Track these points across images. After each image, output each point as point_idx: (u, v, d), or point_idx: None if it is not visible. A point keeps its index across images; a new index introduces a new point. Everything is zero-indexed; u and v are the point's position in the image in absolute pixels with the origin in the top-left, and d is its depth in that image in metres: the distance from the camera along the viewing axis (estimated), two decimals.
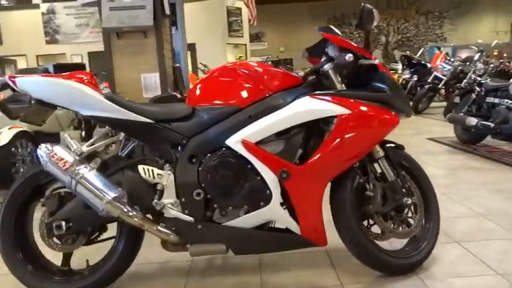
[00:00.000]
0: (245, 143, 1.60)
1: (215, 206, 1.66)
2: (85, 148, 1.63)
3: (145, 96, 4.91)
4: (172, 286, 1.82)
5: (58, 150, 1.57)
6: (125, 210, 1.55)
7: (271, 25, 19.49)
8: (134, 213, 1.57)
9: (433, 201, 1.89)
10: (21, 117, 1.77)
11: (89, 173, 1.54)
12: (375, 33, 18.30)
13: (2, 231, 1.66)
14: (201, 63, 9.43)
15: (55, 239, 1.65)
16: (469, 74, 5.82)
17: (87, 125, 6.10)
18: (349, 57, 1.62)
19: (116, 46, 4.76)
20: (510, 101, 3.74)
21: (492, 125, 3.79)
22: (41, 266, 1.74)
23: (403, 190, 1.76)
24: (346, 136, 1.60)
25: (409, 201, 1.77)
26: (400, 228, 1.79)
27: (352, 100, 1.62)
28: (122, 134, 1.70)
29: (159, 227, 1.62)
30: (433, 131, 5.55)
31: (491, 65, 5.68)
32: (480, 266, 1.82)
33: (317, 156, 1.61)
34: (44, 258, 1.78)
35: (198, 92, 1.76)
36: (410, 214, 1.81)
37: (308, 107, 1.61)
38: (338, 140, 1.60)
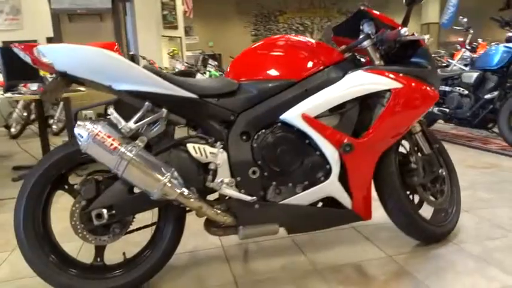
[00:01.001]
0: (306, 117, 1.55)
1: (272, 183, 1.58)
2: (133, 125, 1.44)
3: None
4: (219, 272, 1.70)
5: (103, 127, 1.38)
6: (184, 192, 1.41)
7: (200, 19, 19.20)
8: (192, 195, 1.44)
9: (454, 171, 2.01)
10: (40, 94, 1.53)
11: (140, 153, 1.38)
12: (300, 30, 18.94)
13: (26, 225, 1.43)
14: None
15: (92, 231, 1.46)
16: None
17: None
18: (404, 31, 1.64)
19: (67, 30, 4.36)
20: (462, 89, 4.14)
21: (447, 110, 4.17)
22: (72, 264, 1.53)
23: (438, 162, 1.85)
24: (399, 110, 1.63)
25: (444, 173, 1.87)
26: (437, 199, 1.88)
27: (401, 74, 1.66)
28: (165, 111, 1.54)
29: (215, 209, 1.51)
30: None
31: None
32: (500, 229, 1.99)
33: (374, 129, 1.61)
34: (68, 255, 1.56)
35: (242, 65, 1.67)
36: (442, 185, 1.91)
37: (364, 81, 1.61)
38: (392, 113, 1.62)
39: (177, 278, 1.66)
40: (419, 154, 1.85)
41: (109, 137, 1.36)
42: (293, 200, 1.60)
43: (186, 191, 1.41)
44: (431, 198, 1.85)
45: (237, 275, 1.67)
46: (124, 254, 1.59)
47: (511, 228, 2.01)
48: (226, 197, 1.54)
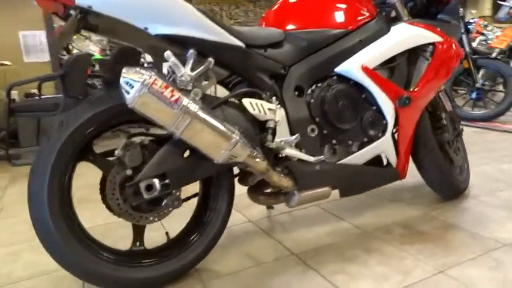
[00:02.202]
0: (366, 69, 1.45)
1: (330, 142, 1.46)
2: (193, 73, 1.18)
3: (28, 60, 3.94)
4: (267, 246, 1.53)
5: (159, 75, 1.09)
6: (253, 152, 1.21)
7: None
8: (259, 155, 1.25)
9: (460, 129, 2.10)
10: (57, 38, 1.19)
11: (203, 107, 1.14)
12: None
13: (52, 206, 1.10)
14: None
15: (136, 207, 1.19)
16: None
17: None
18: None
19: None
20: None
21: None
22: (107, 251, 1.23)
23: (458, 119, 1.91)
24: (442, 63, 1.62)
25: (463, 130, 1.93)
26: (457, 155, 1.93)
27: (438, 29, 1.65)
28: (212, 61, 1.29)
29: (279, 173, 1.34)
30: None
31: None
32: (502, 183, 2.14)
33: (423, 83, 1.58)
34: (98, 241, 1.25)
35: (287, 14, 1.50)
36: (458, 141, 1.98)
37: (412, 34, 1.56)
38: (437, 67, 1.61)
39: (225, 257, 1.45)
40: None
41: (167, 87, 1.09)
42: (351, 160, 1.50)
43: (254, 152, 1.22)
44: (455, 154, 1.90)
45: (290, 246, 1.52)
46: (167, 234, 1.33)
47: (508, 179, 2.18)
48: (285, 159, 1.38)
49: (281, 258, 1.43)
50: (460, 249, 1.44)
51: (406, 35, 1.55)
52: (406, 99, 1.52)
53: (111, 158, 1.21)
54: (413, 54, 1.62)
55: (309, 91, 1.44)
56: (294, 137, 1.34)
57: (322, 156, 1.39)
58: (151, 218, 1.21)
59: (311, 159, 1.38)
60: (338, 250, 1.48)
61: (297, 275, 1.32)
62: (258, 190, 1.46)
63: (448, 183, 1.81)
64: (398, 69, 1.57)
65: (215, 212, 1.33)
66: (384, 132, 1.53)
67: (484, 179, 2.21)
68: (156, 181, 1.15)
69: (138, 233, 1.27)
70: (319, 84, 1.44)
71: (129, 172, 1.17)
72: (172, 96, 1.09)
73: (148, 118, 1.10)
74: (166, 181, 1.17)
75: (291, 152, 1.34)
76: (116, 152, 1.18)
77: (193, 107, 1.10)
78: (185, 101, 1.10)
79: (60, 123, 1.13)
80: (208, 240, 1.31)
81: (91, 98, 1.24)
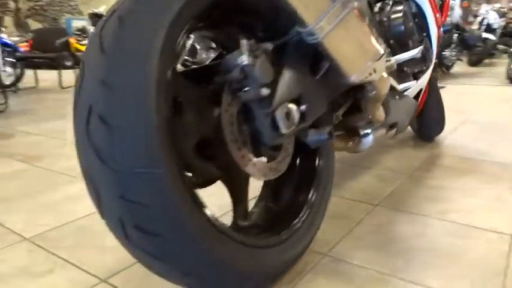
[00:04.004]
0: None
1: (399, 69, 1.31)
2: None
3: None
4: None
5: None
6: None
7: None
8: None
9: None
10: None
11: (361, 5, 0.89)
12: None
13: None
14: None
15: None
16: None
17: None
18: None
19: None
20: None
21: None
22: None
23: None
24: None
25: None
26: None
27: None
28: None
29: None
30: None
31: None
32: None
33: (445, 15, 1.48)
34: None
35: None
36: None
37: None
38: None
39: None
40: None
41: None
42: (410, 92, 1.36)
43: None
44: None
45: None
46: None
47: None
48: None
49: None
50: None
51: None
52: (448, 25, 1.40)
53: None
54: None
55: (376, 8, 1.28)
56: (417, 50, 1.18)
57: (408, 84, 1.24)
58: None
59: (398, 87, 1.22)
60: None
61: None
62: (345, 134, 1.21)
63: (442, 118, 1.74)
64: None
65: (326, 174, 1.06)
66: (430, 64, 1.39)
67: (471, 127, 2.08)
68: (294, 107, 0.81)
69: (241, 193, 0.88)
70: (385, 1, 1.29)
71: (265, 91, 0.75)
72: None
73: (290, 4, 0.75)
74: (302, 108, 0.84)
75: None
76: (239, 60, 0.73)
77: (353, 1, 0.84)
78: None
79: None
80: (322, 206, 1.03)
81: None
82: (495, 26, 6.22)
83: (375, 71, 0.93)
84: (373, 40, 0.89)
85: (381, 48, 0.91)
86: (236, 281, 0.73)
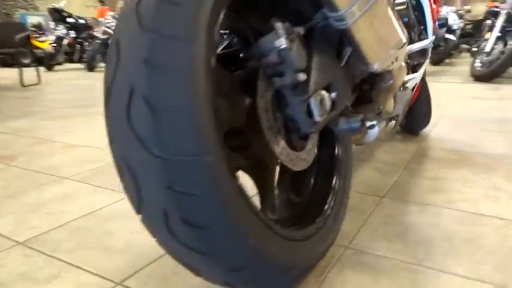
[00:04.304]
0: None
1: None
2: None
3: None
4: None
5: None
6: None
7: None
8: None
9: None
10: None
11: None
12: None
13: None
14: None
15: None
16: None
17: None
18: None
19: None
20: None
21: None
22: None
23: None
24: None
25: None
26: None
27: None
28: None
29: None
30: None
31: None
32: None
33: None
34: None
35: None
36: None
37: None
38: None
39: None
40: None
41: None
42: (410, 84, 1.35)
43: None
44: None
45: None
46: None
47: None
48: None
49: None
50: None
51: None
52: (442, 19, 1.42)
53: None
54: None
55: None
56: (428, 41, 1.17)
57: (410, 76, 1.23)
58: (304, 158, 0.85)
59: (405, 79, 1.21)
60: None
61: None
62: None
63: (430, 112, 1.80)
64: None
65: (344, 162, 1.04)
66: (428, 55, 1.40)
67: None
68: (326, 94, 0.79)
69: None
70: None
71: (302, 77, 0.71)
72: None
73: None
74: (333, 95, 0.81)
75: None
76: (277, 43, 0.68)
77: None
78: None
79: None
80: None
81: None
82: (455, 27, 6.51)
83: (396, 60, 0.92)
84: (398, 27, 0.88)
85: (404, 36, 0.90)
86: (278, 275, 0.69)
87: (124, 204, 1.25)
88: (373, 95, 1.05)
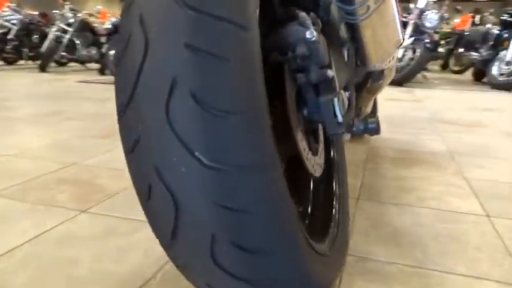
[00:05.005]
0: None
1: None
2: None
3: None
4: None
5: None
6: None
7: None
8: None
9: None
10: None
11: None
12: None
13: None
14: None
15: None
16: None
17: None
18: None
19: None
20: None
21: None
22: None
23: None
24: None
25: None
26: None
27: None
28: None
29: None
30: None
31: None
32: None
33: None
34: None
35: None
36: None
37: None
38: None
39: None
40: None
41: None
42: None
43: None
44: None
45: None
46: None
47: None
48: None
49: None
50: None
51: None
52: None
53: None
54: None
55: None
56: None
57: None
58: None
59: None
60: None
61: None
62: None
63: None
64: None
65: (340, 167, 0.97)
66: None
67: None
68: (345, 94, 0.73)
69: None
70: None
71: (330, 73, 0.65)
72: None
73: None
74: (347, 95, 0.76)
75: None
76: (308, 34, 0.60)
77: None
78: None
79: None
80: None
81: None
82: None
83: (393, 59, 0.90)
84: (399, 25, 0.86)
85: (401, 35, 0.88)
86: None
87: (79, 223, 1.05)
88: (358, 95, 1.02)
